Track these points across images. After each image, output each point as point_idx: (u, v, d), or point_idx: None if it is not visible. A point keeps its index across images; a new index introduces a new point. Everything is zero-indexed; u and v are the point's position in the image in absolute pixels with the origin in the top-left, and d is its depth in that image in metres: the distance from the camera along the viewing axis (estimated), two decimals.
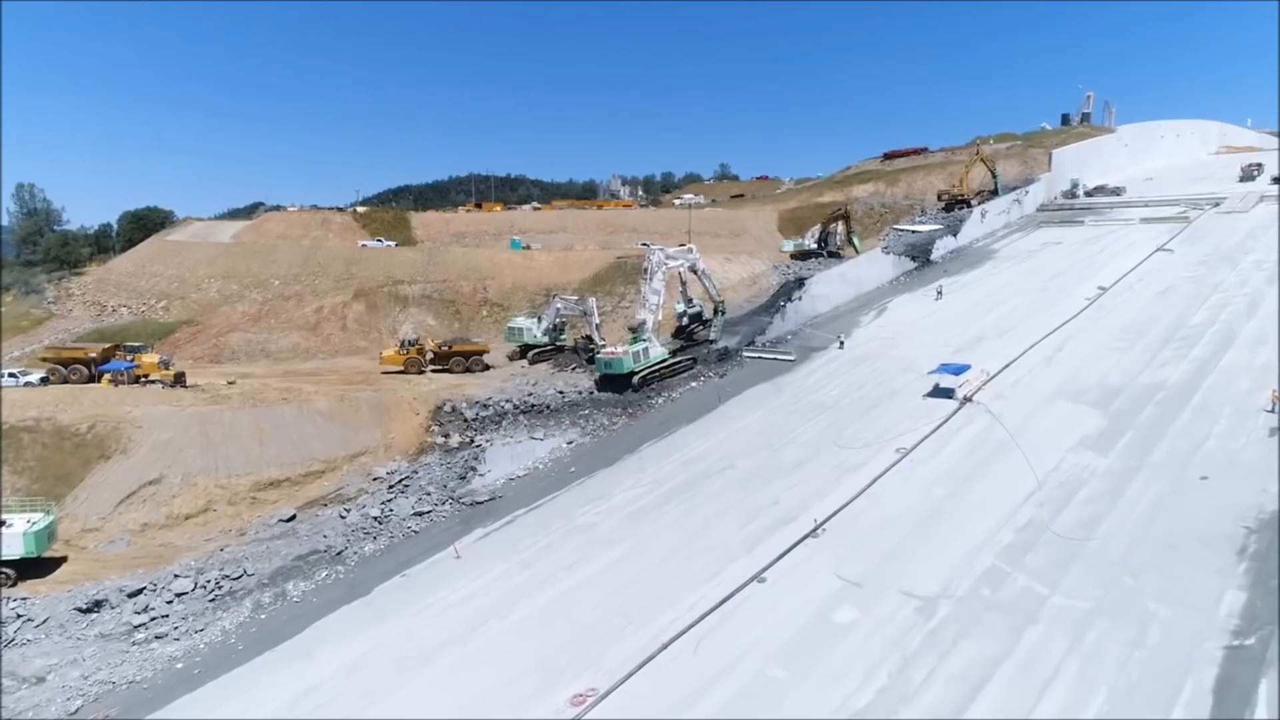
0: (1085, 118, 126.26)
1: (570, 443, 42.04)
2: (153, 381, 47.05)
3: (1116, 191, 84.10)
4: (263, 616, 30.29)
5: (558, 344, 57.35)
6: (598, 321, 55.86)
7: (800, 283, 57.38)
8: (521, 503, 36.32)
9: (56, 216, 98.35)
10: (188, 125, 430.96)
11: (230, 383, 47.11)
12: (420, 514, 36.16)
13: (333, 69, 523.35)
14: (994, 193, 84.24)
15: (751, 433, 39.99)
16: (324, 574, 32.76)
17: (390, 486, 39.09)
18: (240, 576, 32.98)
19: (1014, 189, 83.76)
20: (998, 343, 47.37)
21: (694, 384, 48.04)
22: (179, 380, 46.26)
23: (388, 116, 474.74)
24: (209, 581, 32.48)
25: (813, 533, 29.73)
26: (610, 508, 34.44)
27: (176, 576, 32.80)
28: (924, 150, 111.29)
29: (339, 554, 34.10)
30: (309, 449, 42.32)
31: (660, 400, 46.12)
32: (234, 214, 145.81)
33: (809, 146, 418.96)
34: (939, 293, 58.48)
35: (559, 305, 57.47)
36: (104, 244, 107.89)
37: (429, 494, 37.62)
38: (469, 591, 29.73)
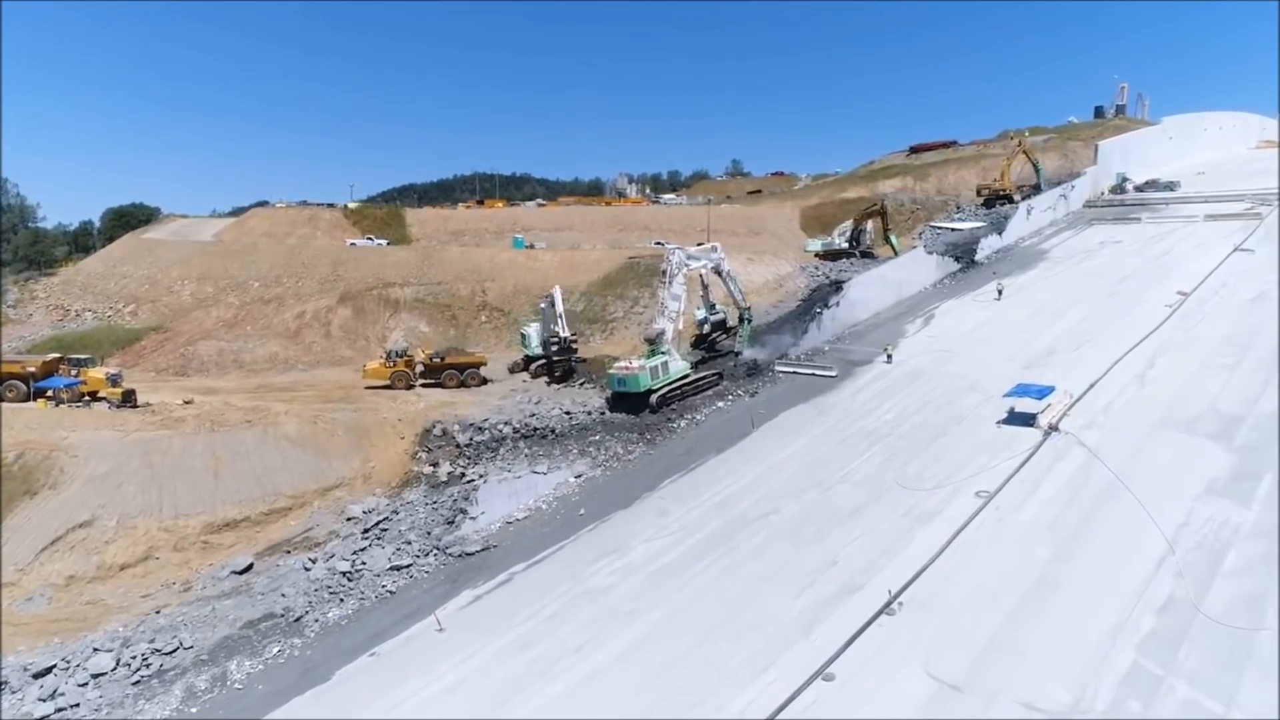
0: (1120, 110, 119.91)
1: (579, 476, 35.80)
2: (100, 400, 41.01)
3: (1170, 186, 77.40)
4: (193, 710, 24.15)
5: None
6: (561, 311, 49.43)
7: (837, 286, 51.00)
8: (520, 555, 30.10)
9: (31, 213, 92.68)
10: (190, 123, 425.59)
11: (187, 402, 41.07)
12: (398, 568, 29.99)
13: (336, 67, 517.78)
14: (1036, 187, 77.95)
15: (794, 467, 33.67)
16: (276, 649, 26.60)
17: (365, 530, 32.94)
18: (175, 650, 26.90)
19: (1057, 183, 77.35)
20: (1073, 357, 40.94)
21: (720, 404, 41.75)
22: (128, 399, 40.18)
23: (392, 115, 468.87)
24: (134, 657, 26.39)
25: (887, 608, 23.38)
26: (628, 565, 28.18)
27: (96, 650, 26.73)
28: (953, 143, 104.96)
29: (297, 620, 27.96)
30: (273, 482, 36.25)
31: (682, 423, 39.83)
32: (237, 212, 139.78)
33: (821, 143, 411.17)
34: (999, 293, 52.20)
35: (542, 307, 51.50)
36: (84, 243, 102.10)
37: (409, 543, 31.44)
38: (453, 680, 23.52)
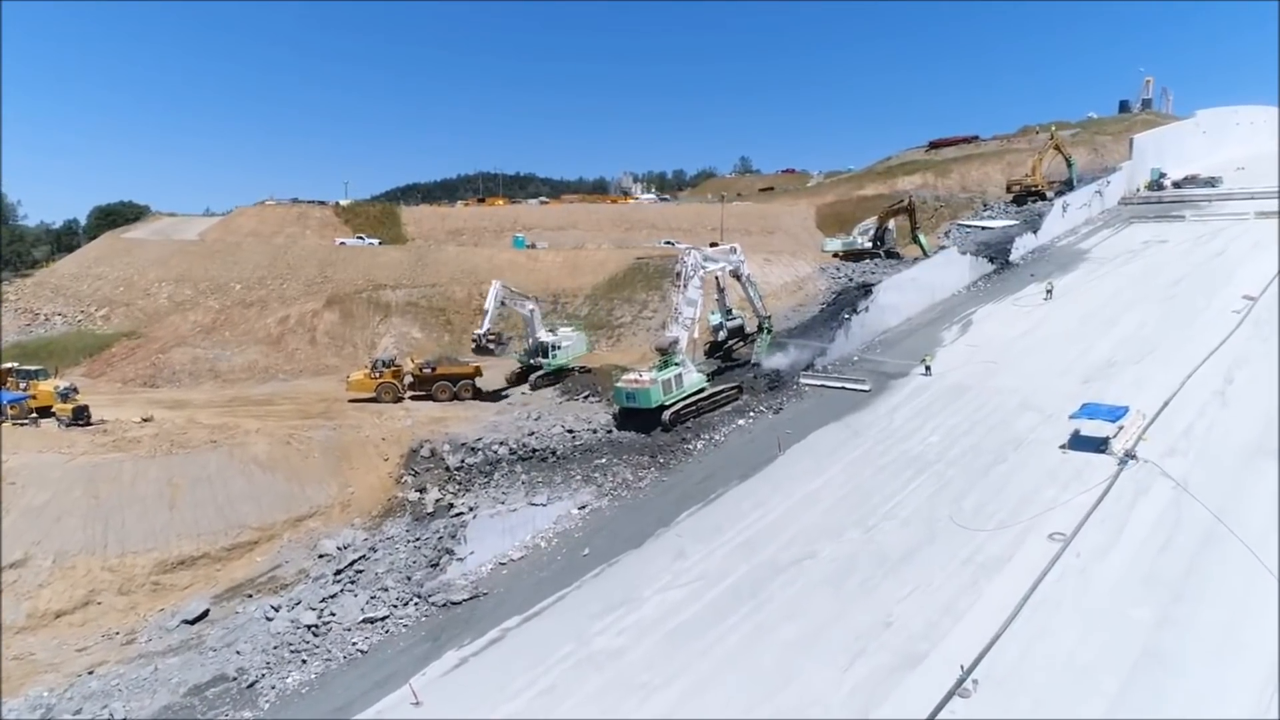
0: (1146, 104, 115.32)
1: (583, 507, 31.53)
2: (50, 415, 36.94)
3: (1211, 182, 72.87)
4: None
5: (562, 368, 46.72)
6: (489, 306, 45.08)
7: (866, 290, 46.58)
8: (514, 606, 25.83)
9: (10, 211, 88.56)
10: (193, 124, 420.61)
11: (145, 419, 36.89)
12: (372, 621, 25.77)
13: (340, 68, 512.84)
14: (1068, 183, 73.54)
15: (830, 499, 29.35)
16: None
17: (338, 572, 28.67)
18: None
19: (1092, 179, 72.86)
20: (1137, 370, 36.61)
21: (741, 421, 37.45)
22: (79, 417, 36.04)
23: (398, 115, 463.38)
24: None
25: (959, 688, 19.08)
26: (640, 621, 23.90)
27: None
28: (974, 139, 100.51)
29: (251, 686, 23.74)
30: (237, 512, 32.04)
31: (699, 444, 35.55)
32: None
33: (830, 140, 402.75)
34: (1048, 292, 48.04)
35: (530, 309, 47.61)
36: (68, 242, 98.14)
37: (386, 589, 27.18)
38: None
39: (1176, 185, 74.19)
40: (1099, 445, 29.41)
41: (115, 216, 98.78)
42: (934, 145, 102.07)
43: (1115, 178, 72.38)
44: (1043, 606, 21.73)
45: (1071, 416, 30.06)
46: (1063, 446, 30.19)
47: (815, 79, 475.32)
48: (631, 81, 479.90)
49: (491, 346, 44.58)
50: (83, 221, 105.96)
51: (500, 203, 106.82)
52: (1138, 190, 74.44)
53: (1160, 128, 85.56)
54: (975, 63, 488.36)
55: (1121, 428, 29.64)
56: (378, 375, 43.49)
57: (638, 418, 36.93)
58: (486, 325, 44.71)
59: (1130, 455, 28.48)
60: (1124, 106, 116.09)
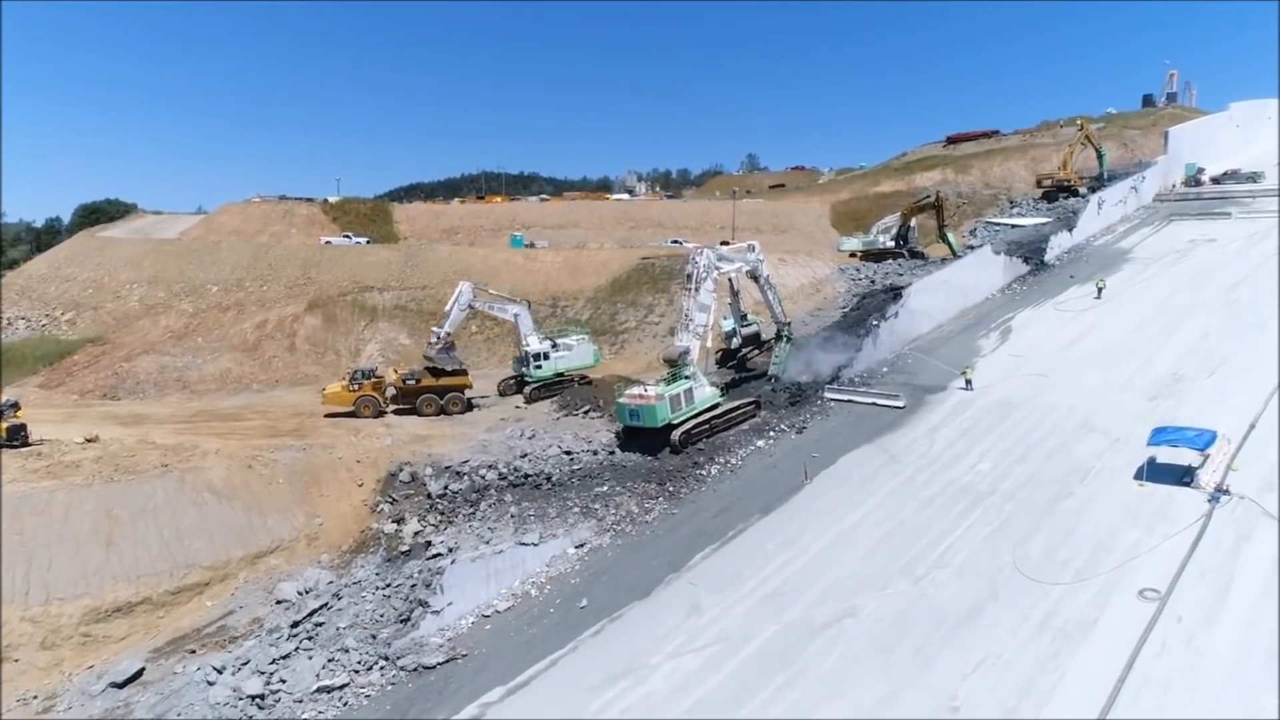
0: (1171, 98, 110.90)
1: (580, 546, 27.46)
2: None
3: (1253, 177, 68.46)
4: None
5: (559, 376, 42.71)
6: (449, 309, 41.22)
7: (896, 293, 42.31)
8: (498, 672, 21.74)
9: None
10: (197, 126, 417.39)
11: (89, 440, 32.84)
12: (328, 690, 21.74)
13: (344, 69, 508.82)
14: (1099, 178, 69.25)
15: (868, 540, 25.19)
16: None
17: (295, 624, 24.63)
18: None
19: (1125, 174, 68.53)
20: (1210, 385, 32.38)
21: (760, 442, 33.32)
22: (15, 436, 32.02)
23: (401, 115, 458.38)
24: None
25: None
26: (648, 698, 19.79)
27: None
28: (995, 133, 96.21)
29: None
30: (186, 549, 27.97)
31: (714, 469, 31.44)
32: None
33: (838, 137, 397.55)
34: (1099, 291, 44.10)
35: (516, 313, 43.78)
36: (49, 241, 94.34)
37: (347, 650, 23.14)
38: None
39: (1215, 181, 69.86)
40: (1182, 476, 25.28)
41: (99, 214, 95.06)
42: (952, 140, 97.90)
43: (1150, 172, 68.02)
44: (1147, 689, 17.58)
45: (1149, 443, 25.79)
46: (1138, 477, 26.01)
47: (823, 75, 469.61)
48: (636, 80, 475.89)
49: (431, 355, 40.44)
50: (66, 220, 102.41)
51: (499, 200, 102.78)
52: (1174, 186, 70.15)
53: (1193, 121, 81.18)
54: (983, 60, 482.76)
55: (1208, 456, 25.45)
56: (356, 387, 39.40)
57: (643, 438, 32.87)
58: (446, 328, 40.76)
59: (1223, 490, 24.29)
60: (1148, 100, 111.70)
